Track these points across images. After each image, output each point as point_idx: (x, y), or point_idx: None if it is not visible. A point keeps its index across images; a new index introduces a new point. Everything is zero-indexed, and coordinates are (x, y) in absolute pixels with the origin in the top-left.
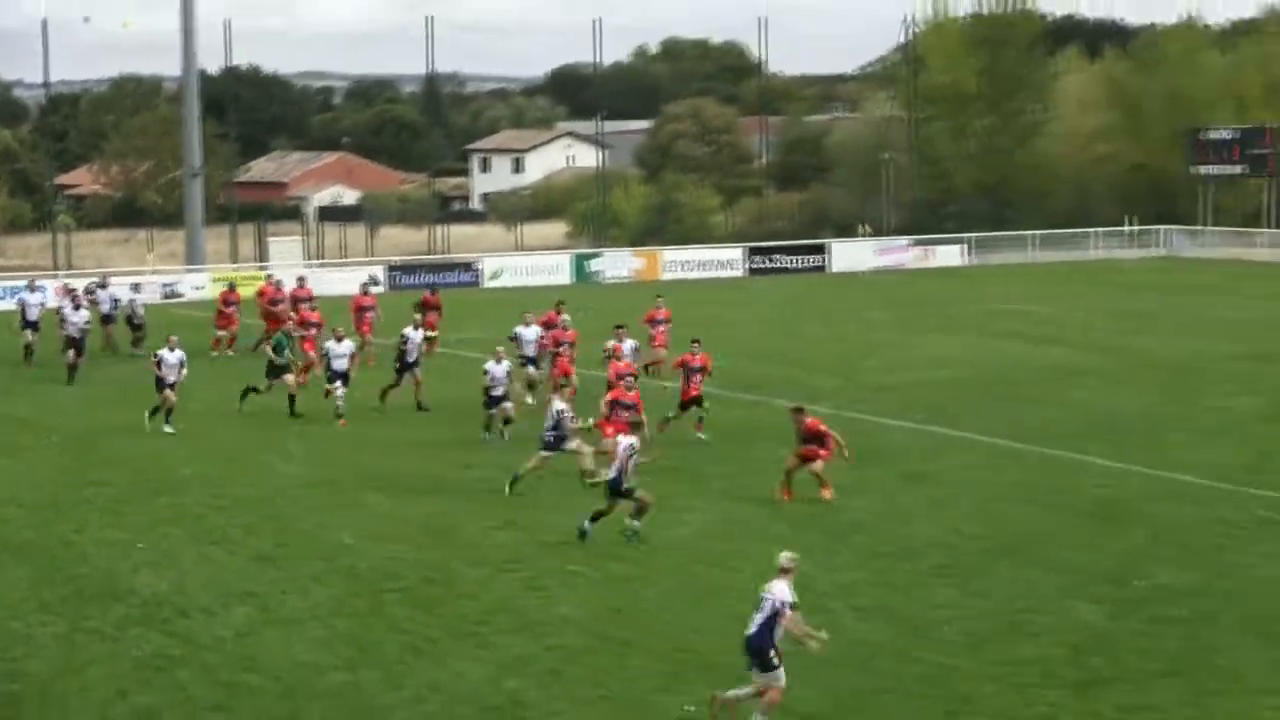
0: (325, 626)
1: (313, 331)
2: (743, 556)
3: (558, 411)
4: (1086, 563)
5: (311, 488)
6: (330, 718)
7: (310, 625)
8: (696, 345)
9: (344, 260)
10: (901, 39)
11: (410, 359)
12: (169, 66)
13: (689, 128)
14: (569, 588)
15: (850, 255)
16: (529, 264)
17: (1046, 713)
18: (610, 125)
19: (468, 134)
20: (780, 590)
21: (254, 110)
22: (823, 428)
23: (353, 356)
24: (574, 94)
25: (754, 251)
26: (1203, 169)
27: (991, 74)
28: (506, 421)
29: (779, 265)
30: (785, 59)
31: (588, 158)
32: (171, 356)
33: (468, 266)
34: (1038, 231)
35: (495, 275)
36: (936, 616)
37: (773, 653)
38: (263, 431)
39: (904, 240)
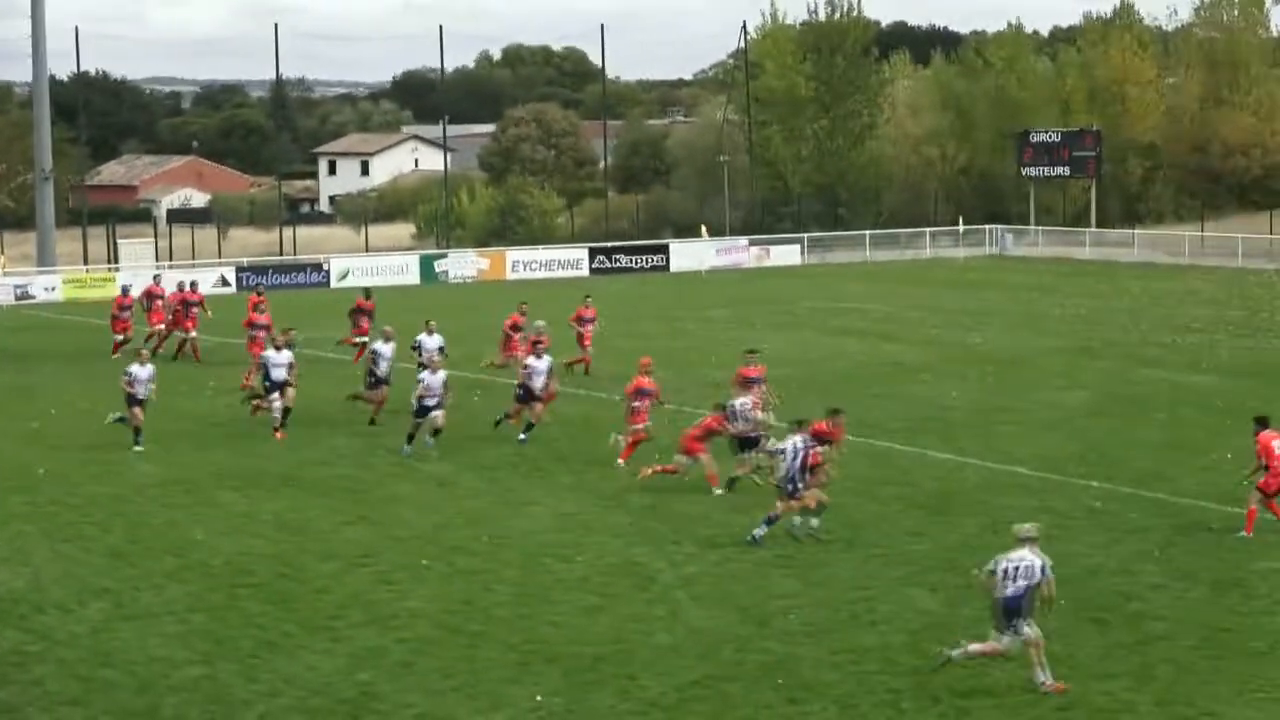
0: (180, 621)
1: (260, 334)
2: (587, 549)
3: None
4: (924, 552)
5: (166, 486)
6: (186, 711)
7: (165, 620)
8: (752, 356)
9: (194, 262)
10: (737, 45)
11: (381, 373)
12: (20, 72)
13: (532, 131)
14: (420, 581)
15: (690, 255)
16: (376, 264)
17: (887, 699)
18: (455, 129)
19: (315, 138)
20: (1035, 558)
21: (104, 115)
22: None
23: (291, 366)
24: (419, 98)
25: (597, 252)
26: (1030, 170)
27: (824, 79)
28: (436, 432)
29: (621, 265)
30: (625, 65)
31: (433, 161)
32: (143, 372)
33: (317, 267)
34: (872, 231)
35: (343, 276)
36: (778, 606)
37: (1021, 619)
38: (119, 431)
39: (742, 240)
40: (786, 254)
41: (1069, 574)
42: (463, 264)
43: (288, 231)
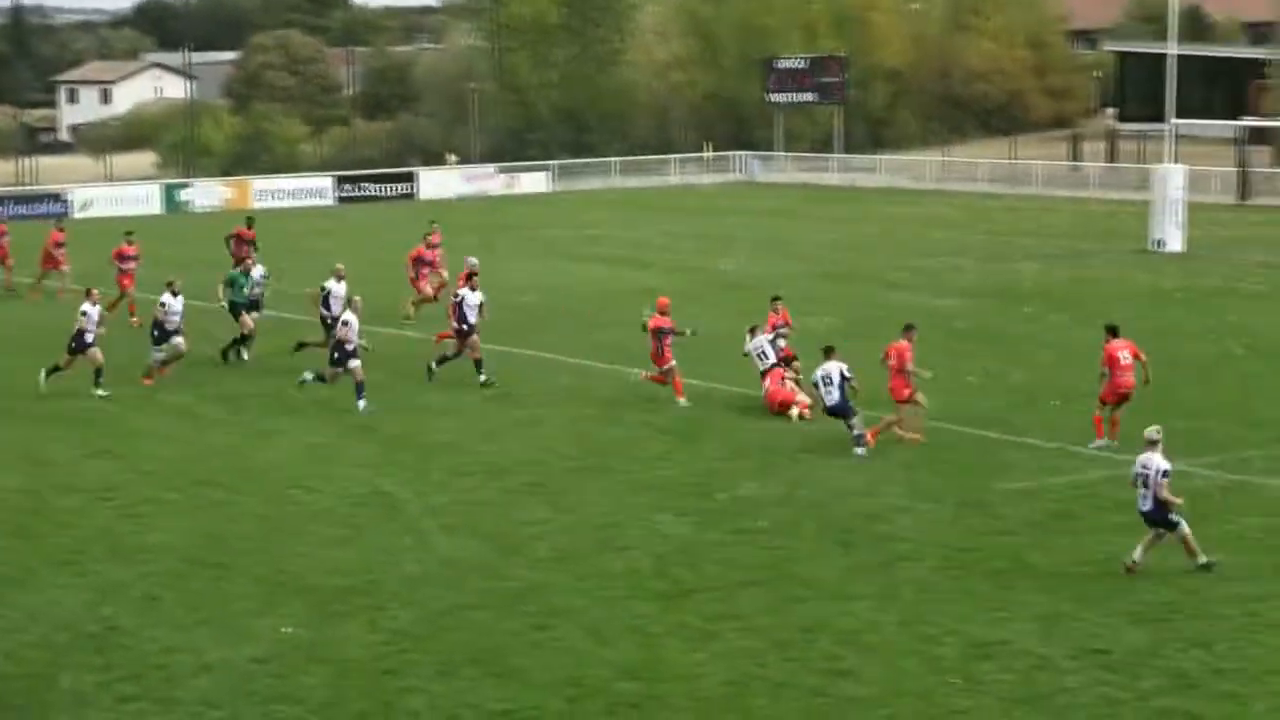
0: None
1: (131, 265)
2: (334, 480)
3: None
4: (672, 478)
5: None
6: None
7: None
8: (778, 303)
9: None
10: None
11: (335, 311)
12: None
13: (276, 59)
14: (164, 514)
15: (438, 183)
16: (118, 194)
17: (635, 624)
18: (197, 57)
19: (54, 65)
20: (1157, 460)
21: None
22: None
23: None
24: (161, 26)
25: (343, 180)
26: (776, 97)
27: (572, 5)
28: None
29: (368, 194)
30: None
31: (176, 89)
32: (175, 303)
33: (57, 198)
34: (619, 158)
35: (85, 206)
36: (527, 533)
37: (1171, 513)
38: None
39: (490, 168)
40: (534, 181)
41: (816, 496)
42: (207, 193)
43: (27, 161)
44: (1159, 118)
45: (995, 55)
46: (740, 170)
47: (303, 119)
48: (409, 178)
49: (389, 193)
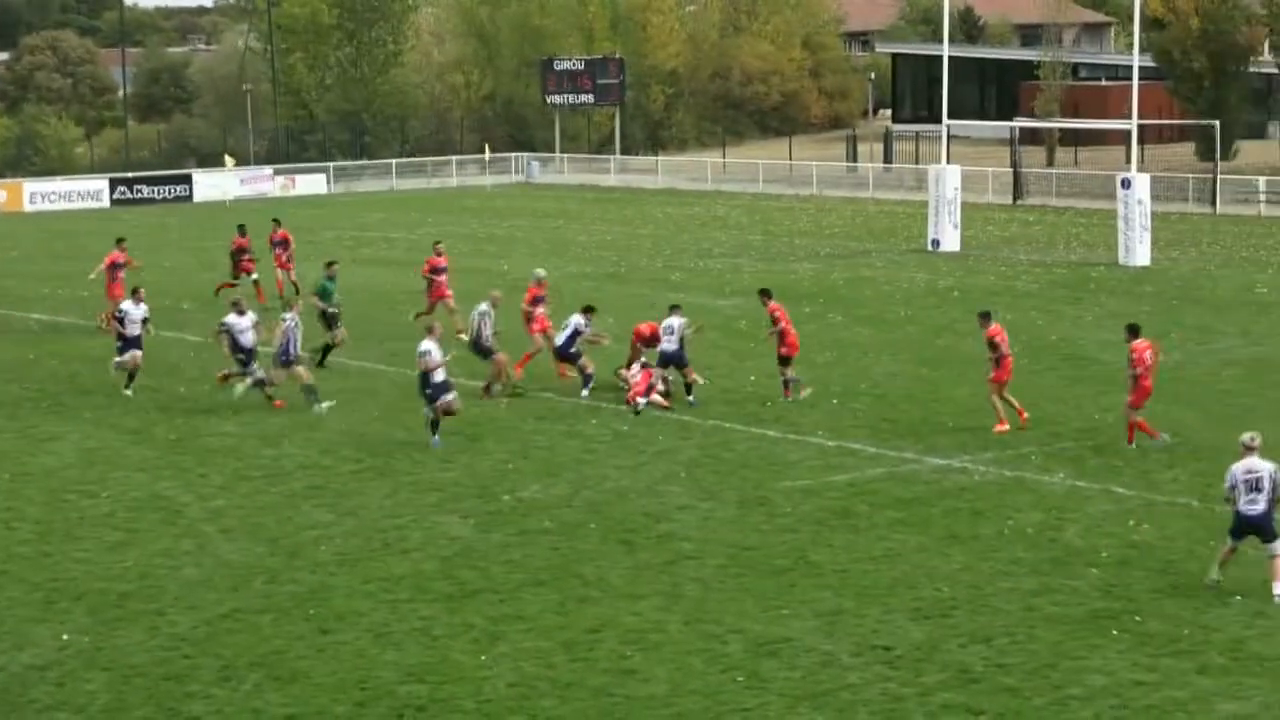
0: None
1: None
2: (112, 484)
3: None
4: (455, 480)
5: None
6: None
7: None
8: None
9: None
10: None
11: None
12: None
13: (48, 59)
14: None
15: (214, 185)
16: None
17: (420, 626)
18: None
19: None
20: (1269, 466)
21: None
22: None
23: (145, 321)
24: None
25: (118, 183)
26: (554, 98)
27: (348, 6)
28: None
29: (144, 196)
30: None
31: None
32: (136, 311)
33: None
34: (398, 160)
35: None
36: (309, 537)
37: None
38: None
39: (267, 170)
40: (312, 183)
41: (600, 497)
42: None
43: None
44: (933, 119)
45: (772, 57)
46: (519, 172)
47: (76, 120)
48: (185, 180)
49: (165, 195)
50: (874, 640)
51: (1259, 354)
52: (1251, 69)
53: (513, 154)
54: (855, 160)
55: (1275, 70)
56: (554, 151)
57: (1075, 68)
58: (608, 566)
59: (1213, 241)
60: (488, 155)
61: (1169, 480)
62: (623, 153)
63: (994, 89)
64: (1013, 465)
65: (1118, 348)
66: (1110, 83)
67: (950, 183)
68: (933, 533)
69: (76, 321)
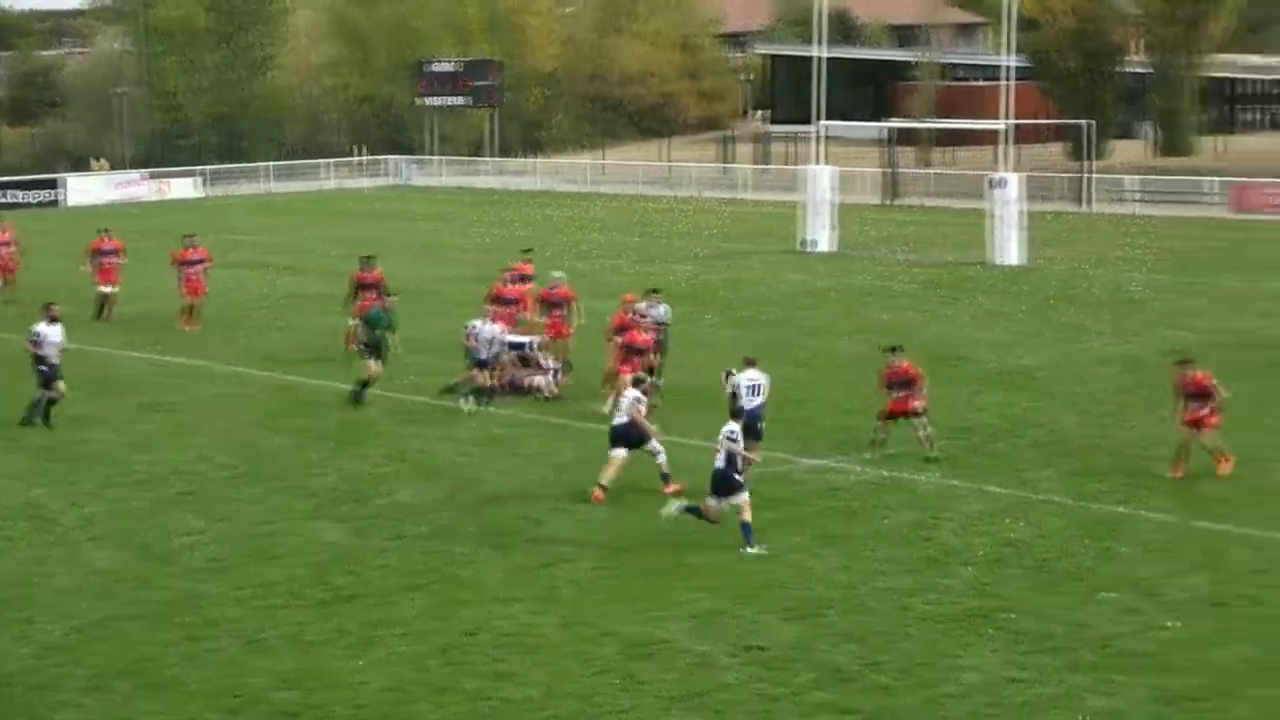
0: None
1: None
2: None
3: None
4: (330, 484)
5: None
6: None
7: None
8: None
9: None
10: None
11: (481, 355)
12: None
13: None
14: None
15: (85, 190)
16: None
17: (293, 632)
18: None
19: None
20: None
21: None
22: (1210, 384)
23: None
24: None
25: None
26: (430, 100)
27: (222, 9)
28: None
29: (12, 200)
30: None
31: None
32: (53, 333)
33: None
34: (272, 163)
35: None
36: (180, 543)
37: None
38: None
39: (139, 174)
40: (185, 187)
41: (474, 500)
42: None
43: None
44: (808, 120)
45: (648, 58)
46: (394, 174)
47: None
48: (54, 184)
49: (33, 200)
50: (748, 640)
51: (1131, 351)
52: (1123, 69)
53: (388, 156)
54: (732, 161)
55: (1146, 70)
56: (429, 153)
57: (950, 68)
58: (483, 570)
59: (1085, 240)
60: (363, 158)
61: (1043, 479)
62: (500, 155)
63: (869, 90)
64: (887, 466)
65: (991, 347)
66: (984, 83)
67: (825, 183)
68: (807, 533)
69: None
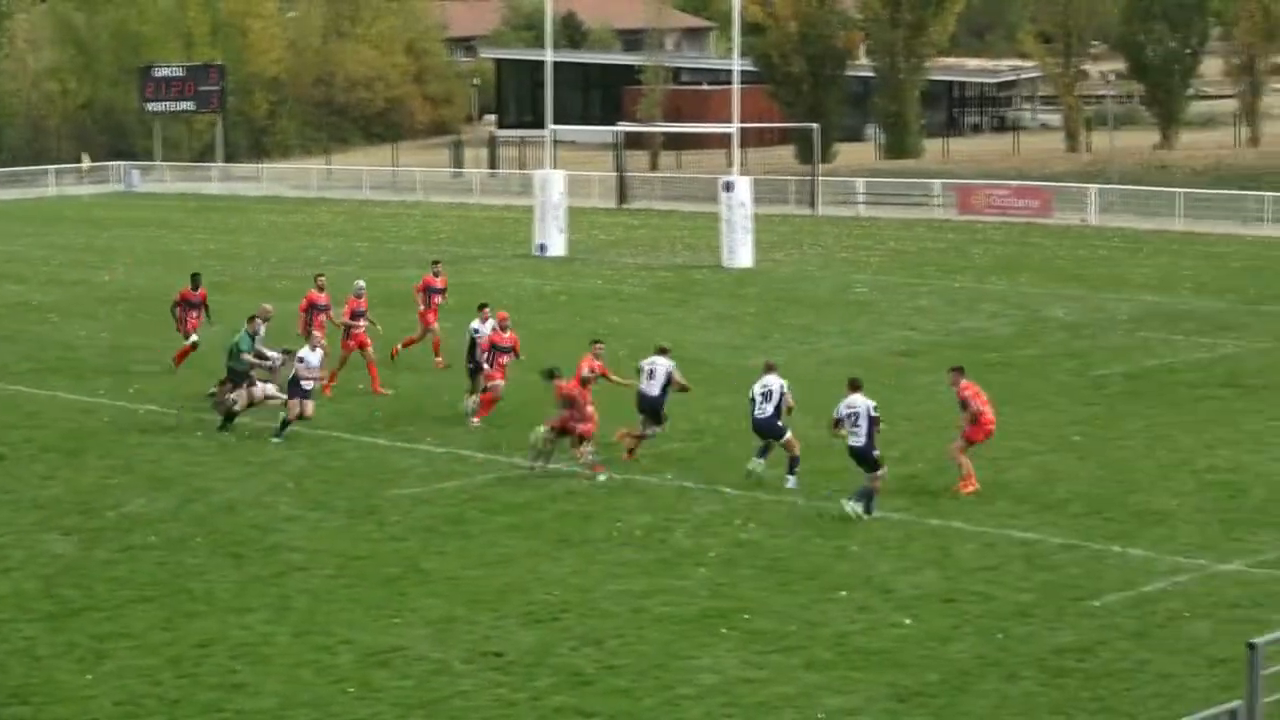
0: None
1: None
2: None
3: None
4: (56, 496)
5: None
6: None
7: None
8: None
9: None
10: None
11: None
12: None
13: None
14: None
15: None
16: None
17: (22, 646)
18: None
19: None
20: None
21: None
22: (968, 394)
23: None
24: None
25: None
26: (154, 106)
27: None
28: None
29: None
30: None
31: None
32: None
33: None
34: None
35: None
36: None
37: None
38: None
39: None
40: None
41: (206, 510)
42: None
43: None
44: (538, 124)
45: (375, 62)
46: (119, 181)
47: None
48: None
49: None
50: (485, 646)
51: (858, 352)
52: (849, 73)
53: (112, 163)
54: (460, 166)
55: (871, 74)
56: (155, 160)
57: (677, 72)
58: (216, 580)
59: (813, 243)
60: (86, 164)
61: (776, 479)
62: (226, 160)
63: (598, 94)
64: (621, 469)
65: (722, 349)
66: (712, 87)
67: (556, 188)
68: (544, 537)
69: None
